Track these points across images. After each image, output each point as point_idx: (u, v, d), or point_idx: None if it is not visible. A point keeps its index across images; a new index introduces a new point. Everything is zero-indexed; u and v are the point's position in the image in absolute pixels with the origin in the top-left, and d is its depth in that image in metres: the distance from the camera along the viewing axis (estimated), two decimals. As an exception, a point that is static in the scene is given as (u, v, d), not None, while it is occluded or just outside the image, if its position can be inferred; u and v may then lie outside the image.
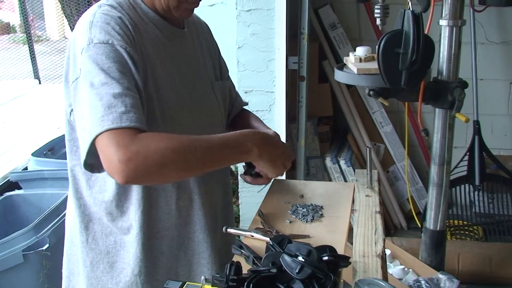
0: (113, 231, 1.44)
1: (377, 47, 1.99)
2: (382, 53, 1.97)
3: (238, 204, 3.54)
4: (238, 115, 1.75)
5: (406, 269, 2.79)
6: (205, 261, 1.51)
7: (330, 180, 3.69)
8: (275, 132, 1.52)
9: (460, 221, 3.53)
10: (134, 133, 1.17)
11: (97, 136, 1.17)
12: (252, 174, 1.58)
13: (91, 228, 1.46)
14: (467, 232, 3.50)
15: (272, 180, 1.64)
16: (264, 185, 1.63)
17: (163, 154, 1.17)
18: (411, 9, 1.92)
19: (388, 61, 1.98)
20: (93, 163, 1.26)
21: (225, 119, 1.67)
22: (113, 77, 1.21)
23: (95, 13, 1.32)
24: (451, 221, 3.48)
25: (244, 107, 1.80)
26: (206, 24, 1.70)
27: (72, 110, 1.34)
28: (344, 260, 1.19)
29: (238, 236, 1.52)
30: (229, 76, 1.74)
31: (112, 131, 1.16)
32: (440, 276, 2.60)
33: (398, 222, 3.81)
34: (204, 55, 1.59)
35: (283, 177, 1.73)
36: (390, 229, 3.71)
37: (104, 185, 1.42)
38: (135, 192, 1.40)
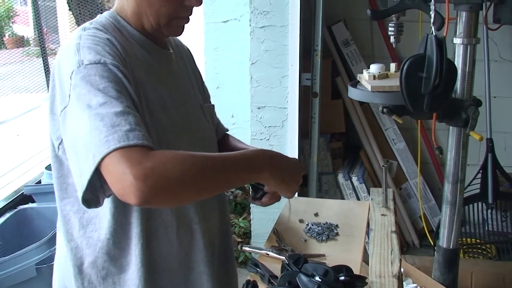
0: (111, 271, 1.33)
1: (400, 71, 1.99)
2: (405, 77, 1.96)
3: (250, 220, 3.53)
4: (222, 140, 1.69)
5: (418, 287, 2.77)
6: None
7: (342, 196, 3.68)
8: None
9: (473, 239, 3.50)
10: (145, 150, 1.07)
11: (102, 159, 1.06)
12: (258, 197, 1.52)
13: (86, 272, 1.33)
14: (480, 251, 3.47)
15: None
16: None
17: (181, 171, 1.08)
18: (434, 33, 1.92)
19: (411, 85, 1.98)
20: (89, 198, 1.15)
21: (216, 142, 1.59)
22: (111, 96, 1.12)
23: (80, 36, 1.24)
24: (464, 239, 3.46)
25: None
26: (188, 48, 1.62)
27: (60, 143, 1.24)
28: (361, 281, 1.19)
29: (250, 253, 1.51)
30: (210, 101, 1.65)
31: (120, 150, 1.05)
32: (453, 295, 2.58)
33: (410, 240, 3.79)
34: (190, 77, 1.53)
35: (295, 194, 1.72)
36: (402, 247, 3.69)
37: (99, 222, 1.30)
38: (134, 225, 1.30)
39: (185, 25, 1.38)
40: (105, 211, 1.27)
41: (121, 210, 1.28)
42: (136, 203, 1.06)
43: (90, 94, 1.12)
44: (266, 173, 1.26)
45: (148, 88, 1.28)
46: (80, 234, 1.32)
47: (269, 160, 1.27)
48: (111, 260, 1.31)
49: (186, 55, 1.57)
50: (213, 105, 1.62)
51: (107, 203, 1.25)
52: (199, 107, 1.51)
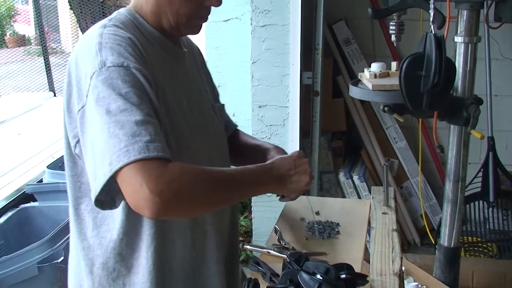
0: (122, 272, 1.32)
1: (399, 69, 1.99)
2: (404, 76, 1.97)
3: (251, 218, 3.54)
4: (232, 136, 1.70)
5: (420, 286, 2.77)
6: None
7: (343, 195, 3.68)
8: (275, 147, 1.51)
9: (474, 238, 3.51)
10: (163, 163, 1.08)
11: (121, 168, 1.06)
12: (283, 196, 1.52)
13: (96, 272, 1.33)
14: (481, 249, 3.48)
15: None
16: None
17: (196, 188, 1.11)
18: (433, 32, 1.92)
19: (410, 84, 1.98)
20: (103, 200, 1.16)
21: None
22: (132, 102, 1.11)
23: (101, 33, 1.21)
24: (465, 237, 3.46)
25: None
26: (197, 46, 1.61)
27: (77, 141, 1.22)
28: (362, 279, 1.20)
29: (252, 252, 1.51)
30: (220, 100, 1.67)
31: (140, 162, 1.05)
32: (455, 293, 2.58)
33: (411, 238, 3.80)
34: (201, 77, 1.53)
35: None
36: (403, 245, 3.69)
37: (113, 223, 1.30)
38: (147, 227, 1.28)
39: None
40: (118, 211, 1.27)
41: (134, 211, 1.25)
42: (149, 216, 1.08)
43: (110, 98, 1.11)
44: (273, 185, 1.31)
45: (166, 88, 1.27)
46: (93, 234, 1.32)
47: (270, 172, 1.31)
48: (123, 260, 1.31)
49: (197, 54, 1.57)
50: (223, 105, 1.62)
51: (121, 203, 1.24)
52: (211, 107, 1.50)
